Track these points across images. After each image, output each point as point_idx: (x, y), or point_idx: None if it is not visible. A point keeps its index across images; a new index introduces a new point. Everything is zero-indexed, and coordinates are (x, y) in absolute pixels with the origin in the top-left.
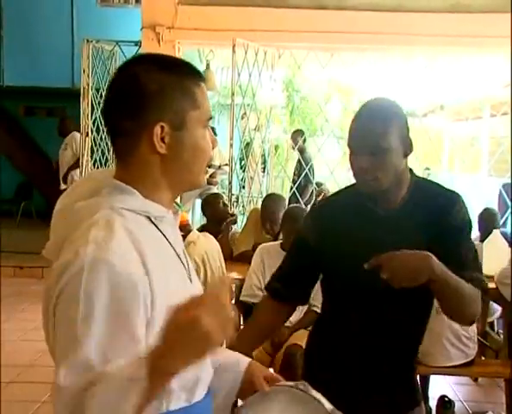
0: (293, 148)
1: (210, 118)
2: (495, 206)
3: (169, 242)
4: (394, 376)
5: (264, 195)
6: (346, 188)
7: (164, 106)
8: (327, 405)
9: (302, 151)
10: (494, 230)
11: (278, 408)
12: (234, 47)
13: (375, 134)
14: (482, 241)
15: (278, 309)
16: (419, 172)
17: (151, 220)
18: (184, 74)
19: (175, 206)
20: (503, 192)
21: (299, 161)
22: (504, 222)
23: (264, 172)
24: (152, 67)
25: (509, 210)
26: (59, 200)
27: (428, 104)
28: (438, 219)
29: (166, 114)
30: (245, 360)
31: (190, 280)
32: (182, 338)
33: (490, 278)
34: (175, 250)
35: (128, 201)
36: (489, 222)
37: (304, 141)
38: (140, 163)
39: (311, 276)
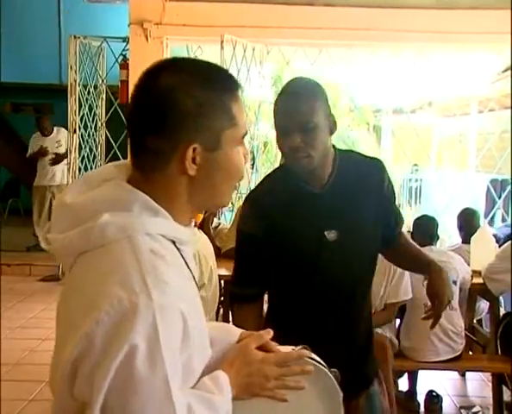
0: None
1: (246, 134)
2: (482, 202)
3: (188, 267)
4: (355, 348)
5: None
6: (272, 173)
7: (199, 126)
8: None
9: None
10: (480, 227)
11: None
12: (222, 43)
13: (304, 112)
14: (464, 241)
15: (256, 308)
16: (408, 169)
17: (175, 244)
18: (222, 88)
19: None
20: (491, 188)
21: None
22: (492, 218)
23: (253, 168)
24: (189, 80)
25: (497, 206)
26: (68, 192)
27: (416, 101)
28: (369, 185)
29: (201, 134)
30: (236, 330)
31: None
32: (250, 378)
33: (478, 273)
34: (192, 274)
35: (162, 226)
36: (470, 221)
37: None
38: (167, 182)
39: (269, 262)
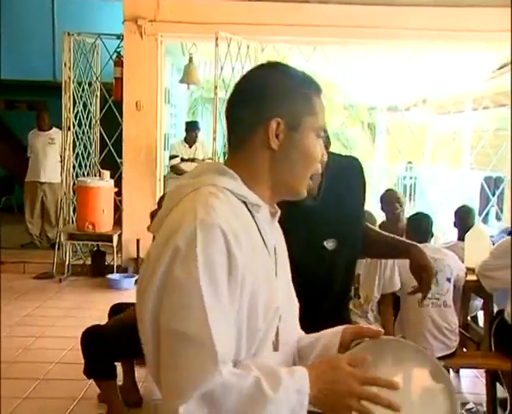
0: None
1: (324, 130)
2: (476, 199)
3: (260, 233)
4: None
5: None
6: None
7: (283, 104)
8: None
9: None
10: (474, 224)
11: (392, 352)
12: (216, 40)
13: None
14: (460, 238)
15: None
16: (402, 166)
17: (247, 207)
18: (307, 83)
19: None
20: (485, 185)
21: None
22: (486, 215)
23: None
24: (279, 72)
25: (491, 203)
26: (171, 187)
27: (411, 98)
28: (353, 187)
29: (284, 112)
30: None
31: (276, 275)
32: (333, 385)
33: (472, 270)
34: (265, 242)
35: (229, 183)
36: (465, 219)
37: None
38: (251, 154)
39: None
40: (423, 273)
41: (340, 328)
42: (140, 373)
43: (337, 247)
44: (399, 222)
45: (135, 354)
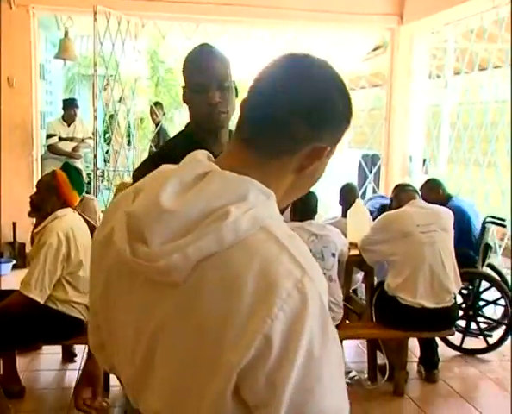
0: (153, 121)
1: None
2: (355, 176)
3: None
4: None
5: (130, 169)
6: (178, 136)
7: (337, 132)
8: None
9: (158, 123)
10: (356, 200)
11: None
12: (95, 14)
13: (222, 71)
14: (344, 215)
15: None
16: None
17: None
18: (351, 109)
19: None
20: (363, 163)
21: (158, 133)
22: (364, 192)
23: (129, 145)
24: (341, 86)
25: (368, 180)
26: (161, 196)
27: None
28: None
29: (333, 140)
30: None
31: None
32: None
33: (354, 245)
34: None
35: (276, 209)
36: (349, 196)
37: (164, 113)
38: (281, 171)
39: None
40: None
41: None
42: (21, 362)
43: None
44: None
45: (16, 345)
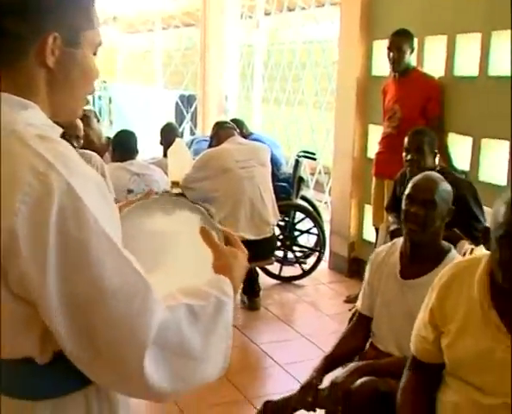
0: None
1: (100, 44)
2: (173, 117)
3: None
4: None
5: None
6: None
7: (61, 17)
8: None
9: None
10: (176, 139)
11: (161, 209)
12: None
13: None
14: (165, 155)
15: None
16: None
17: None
18: None
19: None
20: (180, 103)
21: None
22: (182, 132)
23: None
24: None
25: (186, 120)
26: None
27: (101, 15)
28: None
29: (62, 25)
30: None
31: None
32: (240, 266)
33: (176, 184)
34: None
35: (38, 117)
36: (170, 136)
37: None
38: (27, 74)
39: None
40: None
41: None
42: None
43: None
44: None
45: None
